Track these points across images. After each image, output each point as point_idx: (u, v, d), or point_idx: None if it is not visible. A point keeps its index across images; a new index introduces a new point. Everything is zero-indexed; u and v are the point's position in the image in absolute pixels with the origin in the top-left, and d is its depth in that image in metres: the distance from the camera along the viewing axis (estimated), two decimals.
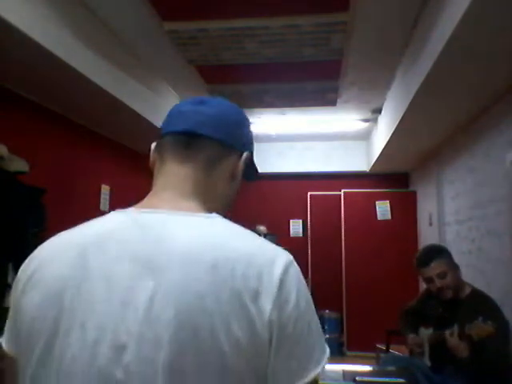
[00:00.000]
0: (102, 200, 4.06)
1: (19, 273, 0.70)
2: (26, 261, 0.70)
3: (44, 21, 2.38)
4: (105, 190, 4.10)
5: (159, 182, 0.77)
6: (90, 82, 2.83)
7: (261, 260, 0.64)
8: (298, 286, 0.65)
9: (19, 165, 2.52)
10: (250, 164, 0.85)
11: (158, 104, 4.02)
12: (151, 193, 0.77)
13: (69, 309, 0.62)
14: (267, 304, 0.61)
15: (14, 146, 2.54)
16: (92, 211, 3.89)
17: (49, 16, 2.42)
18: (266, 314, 0.60)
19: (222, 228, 0.69)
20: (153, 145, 0.82)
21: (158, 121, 3.94)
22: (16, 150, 2.54)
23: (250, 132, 0.86)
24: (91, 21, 2.87)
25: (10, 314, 0.69)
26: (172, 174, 0.76)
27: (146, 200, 0.75)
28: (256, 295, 0.61)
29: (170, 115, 0.81)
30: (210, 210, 0.74)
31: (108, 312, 0.61)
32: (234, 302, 0.60)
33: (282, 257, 0.66)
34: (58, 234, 0.73)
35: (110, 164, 4.25)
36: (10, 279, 2.31)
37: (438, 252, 2.51)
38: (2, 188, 2.39)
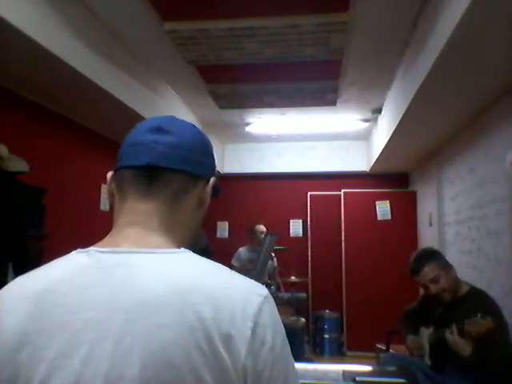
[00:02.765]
0: (101, 200, 4.06)
1: None
2: None
3: (44, 21, 2.38)
4: (105, 189, 4.11)
5: (122, 219, 0.71)
6: (90, 82, 2.83)
7: (232, 301, 0.61)
8: (274, 326, 0.62)
9: (19, 165, 2.52)
10: (214, 186, 0.80)
11: (158, 104, 4.02)
12: (114, 230, 0.71)
13: (26, 367, 0.58)
14: (241, 349, 0.58)
15: (13, 146, 2.54)
16: (92, 211, 3.90)
17: (49, 16, 2.42)
18: (240, 359, 0.57)
19: (190, 267, 0.65)
20: (109, 175, 0.76)
21: None
22: (16, 150, 2.54)
23: (213, 156, 0.81)
24: (91, 21, 2.87)
25: None
26: (136, 210, 0.71)
27: (108, 238, 0.70)
28: (228, 339, 0.57)
29: (127, 145, 0.74)
30: (178, 243, 0.70)
31: (68, 369, 0.57)
32: (205, 349, 0.56)
33: (254, 294, 0.63)
34: (16, 280, 0.67)
35: (110, 164, 4.22)
36: (9, 279, 2.31)
37: (427, 257, 2.47)
38: (2, 188, 2.39)
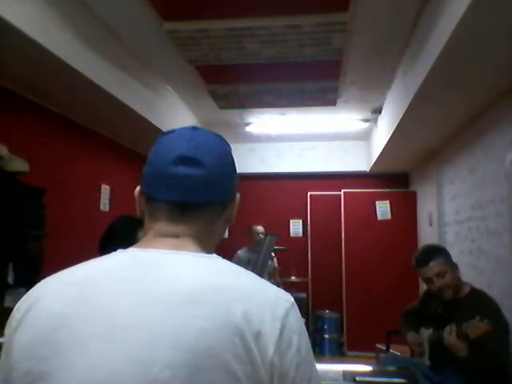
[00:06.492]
0: (102, 200, 4.06)
1: (14, 310, 0.68)
2: (23, 297, 0.68)
3: (44, 21, 2.38)
4: (105, 189, 4.10)
5: (155, 231, 0.74)
6: (90, 82, 2.83)
7: (262, 301, 0.64)
8: (300, 330, 0.66)
9: (19, 165, 2.52)
10: None
11: (158, 104, 4.02)
12: (148, 236, 0.74)
13: (62, 347, 0.60)
14: (270, 345, 0.61)
15: (14, 146, 2.54)
16: (92, 211, 3.90)
17: (49, 16, 2.42)
18: (268, 355, 0.60)
19: (223, 268, 0.69)
20: (137, 190, 0.78)
21: (158, 121, 3.94)
22: (16, 150, 2.55)
23: (236, 173, 0.82)
24: (91, 21, 2.87)
25: (3, 351, 0.67)
26: (169, 230, 0.74)
27: (145, 241, 0.74)
28: (258, 336, 0.60)
29: (156, 175, 0.73)
30: (207, 250, 0.74)
31: (103, 351, 0.59)
32: (237, 342, 0.59)
33: (283, 299, 0.67)
34: (57, 274, 0.70)
35: (110, 164, 4.25)
36: (10, 279, 2.31)
37: (436, 252, 2.50)
38: (2, 188, 2.39)
